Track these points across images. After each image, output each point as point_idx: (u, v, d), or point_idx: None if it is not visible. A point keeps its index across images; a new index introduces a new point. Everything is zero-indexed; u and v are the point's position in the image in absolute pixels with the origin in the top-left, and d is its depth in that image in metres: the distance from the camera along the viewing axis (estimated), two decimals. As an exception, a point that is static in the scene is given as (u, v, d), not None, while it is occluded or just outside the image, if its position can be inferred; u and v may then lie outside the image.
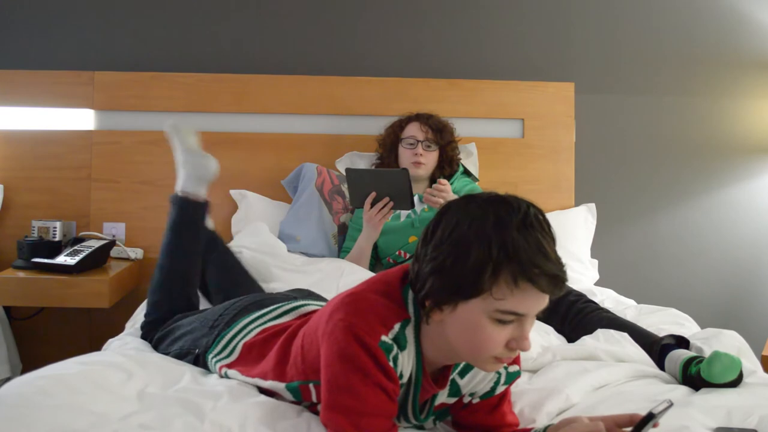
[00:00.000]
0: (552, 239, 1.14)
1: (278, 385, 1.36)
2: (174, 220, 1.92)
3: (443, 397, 1.34)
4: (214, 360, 1.54)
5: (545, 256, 1.11)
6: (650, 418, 1.11)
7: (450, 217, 1.16)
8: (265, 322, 1.54)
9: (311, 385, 1.30)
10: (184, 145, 1.99)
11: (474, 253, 1.11)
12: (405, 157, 2.69)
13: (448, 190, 2.40)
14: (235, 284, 2.03)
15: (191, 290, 1.91)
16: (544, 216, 1.15)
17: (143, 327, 1.85)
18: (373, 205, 2.43)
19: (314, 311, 1.52)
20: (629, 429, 1.15)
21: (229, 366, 1.50)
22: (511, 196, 1.16)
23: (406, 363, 1.23)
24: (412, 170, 2.54)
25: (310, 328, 1.32)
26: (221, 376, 1.51)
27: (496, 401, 1.36)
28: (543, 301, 1.14)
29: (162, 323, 1.79)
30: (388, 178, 2.43)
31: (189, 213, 1.93)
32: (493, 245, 1.10)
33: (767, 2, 3.11)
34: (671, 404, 1.13)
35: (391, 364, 1.19)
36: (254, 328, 1.53)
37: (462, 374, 1.32)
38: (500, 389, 1.35)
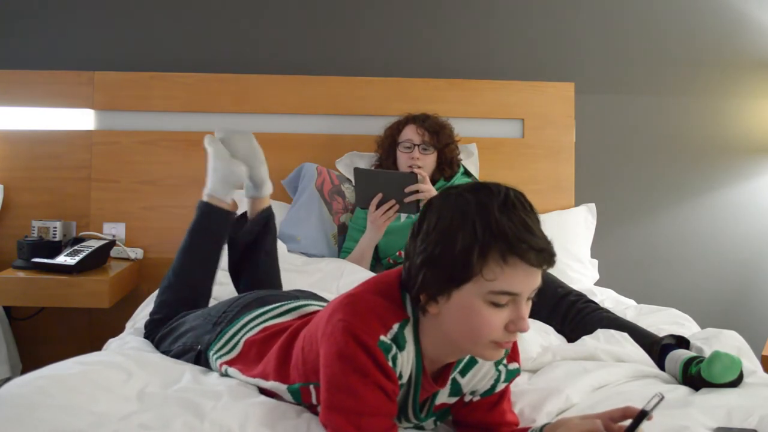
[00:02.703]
0: (536, 218, 1.16)
1: (280, 387, 1.36)
2: (193, 225, 1.92)
3: (444, 397, 1.34)
4: (216, 356, 1.54)
5: (530, 232, 1.12)
6: (643, 415, 1.12)
7: (433, 209, 1.18)
8: (267, 320, 1.54)
9: (311, 387, 1.30)
10: (217, 152, 1.95)
11: (460, 237, 1.12)
12: (402, 160, 2.68)
13: (425, 181, 2.44)
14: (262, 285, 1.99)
15: (200, 297, 1.90)
16: (525, 197, 1.17)
17: (147, 326, 1.85)
18: (378, 206, 2.43)
19: (315, 312, 1.53)
20: (624, 423, 1.15)
21: (230, 363, 1.50)
22: (491, 183, 1.18)
23: (405, 363, 1.23)
24: None
25: (310, 329, 1.32)
26: (222, 374, 1.51)
27: (495, 399, 1.36)
28: (535, 277, 1.15)
29: (166, 322, 1.79)
30: (395, 181, 2.42)
31: (208, 220, 1.91)
32: (477, 227, 1.12)
33: (767, 2, 3.11)
34: (662, 397, 1.13)
35: (390, 364, 1.19)
36: (256, 324, 1.54)
37: (463, 373, 1.32)
38: (500, 387, 1.35)
